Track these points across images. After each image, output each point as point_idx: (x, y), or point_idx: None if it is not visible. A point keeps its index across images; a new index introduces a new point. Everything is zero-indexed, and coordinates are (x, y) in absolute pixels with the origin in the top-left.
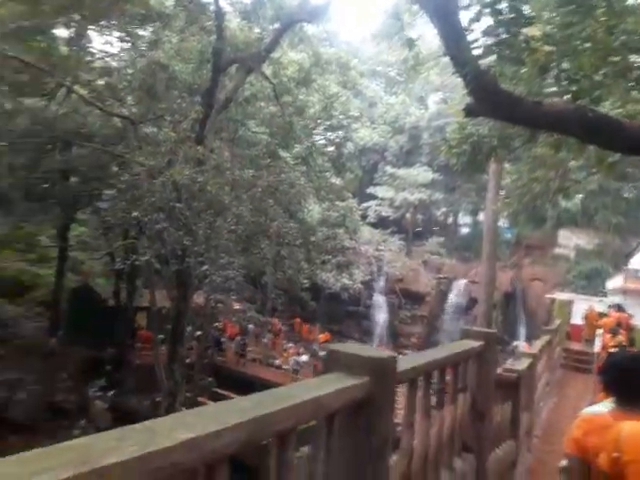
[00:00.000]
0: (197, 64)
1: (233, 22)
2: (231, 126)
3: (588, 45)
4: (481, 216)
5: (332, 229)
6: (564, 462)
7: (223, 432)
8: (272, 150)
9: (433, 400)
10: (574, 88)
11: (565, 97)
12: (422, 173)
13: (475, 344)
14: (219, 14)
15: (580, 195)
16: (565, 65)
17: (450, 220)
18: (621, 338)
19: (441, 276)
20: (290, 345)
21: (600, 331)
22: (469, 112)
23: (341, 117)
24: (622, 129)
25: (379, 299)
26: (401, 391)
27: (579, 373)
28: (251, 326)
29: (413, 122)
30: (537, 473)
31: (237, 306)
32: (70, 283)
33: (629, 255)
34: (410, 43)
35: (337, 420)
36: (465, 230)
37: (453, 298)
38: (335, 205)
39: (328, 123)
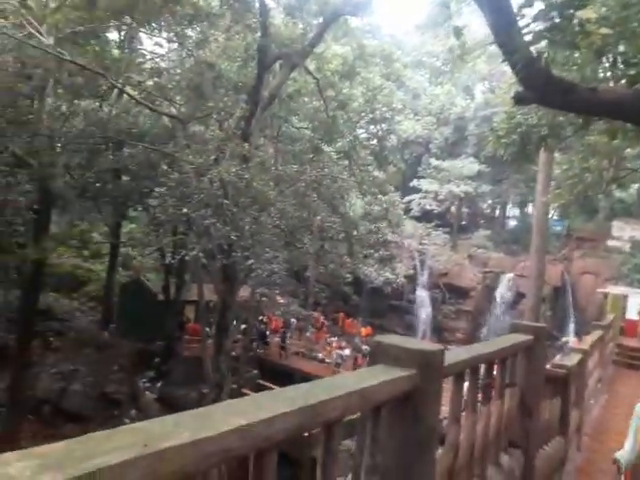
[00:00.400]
0: (242, 62)
1: (277, 18)
2: (275, 122)
3: None
4: (529, 208)
5: (374, 223)
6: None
7: (274, 419)
8: (315, 145)
9: (480, 395)
10: (632, 72)
11: (622, 82)
12: (468, 165)
13: (524, 338)
14: (264, 11)
15: (636, 185)
16: (622, 48)
17: (497, 213)
18: None
19: (487, 270)
20: (333, 339)
21: None
22: (519, 100)
23: (384, 110)
24: None
25: (422, 293)
26: (447, 386)
27: (633, 370)
28: (294, 320)
29: (459, 113)
30: (586, 472)
31: (281, 300)
32: (121, 278)
33: None
34: (457, 32)
35: (384, 411)
36: (513, 223)
37: (500, 292)
38: (377, 199)
39: (371, 116)
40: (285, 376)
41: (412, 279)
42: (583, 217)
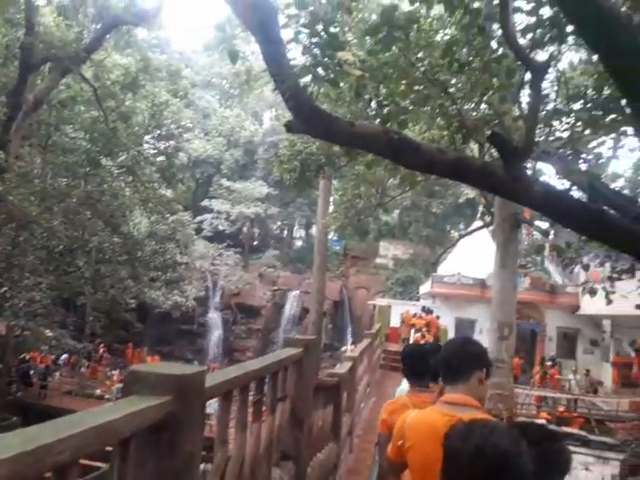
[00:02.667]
0: (2, 59)
1: (48, 17)
2: (43, 130)
3: (394, 73)
4: (314, 229)
5: (161, 243)
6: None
7: None
8: (93, 158)
9: (251, 412)
10: (384, 112)
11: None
12: (258, 187)
13: (294, 352)
14: (29, 6)
15: (397, 210)
16: (380, 91)
17: (285, 233)
18: (428, 336)
19: (276, 288)
20: (114, 372)
21: (414, 332)
22: (290, 129)
23: (172, 126)
24: (419, 150)
25: (214, 315)
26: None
27: (396, 372)
28: (65, 355)
29: (248, 136)
30: (356, 471)
31: (49, 333)
32: None
33: (436, 263)
34: (233, 56)
35: (132, 445)
36: (299, 243)
37: (287, 309)
38: (165, 218)
39: (158, 132)
40: (52, 419)
41: (204, 301)
42: (357, 238)
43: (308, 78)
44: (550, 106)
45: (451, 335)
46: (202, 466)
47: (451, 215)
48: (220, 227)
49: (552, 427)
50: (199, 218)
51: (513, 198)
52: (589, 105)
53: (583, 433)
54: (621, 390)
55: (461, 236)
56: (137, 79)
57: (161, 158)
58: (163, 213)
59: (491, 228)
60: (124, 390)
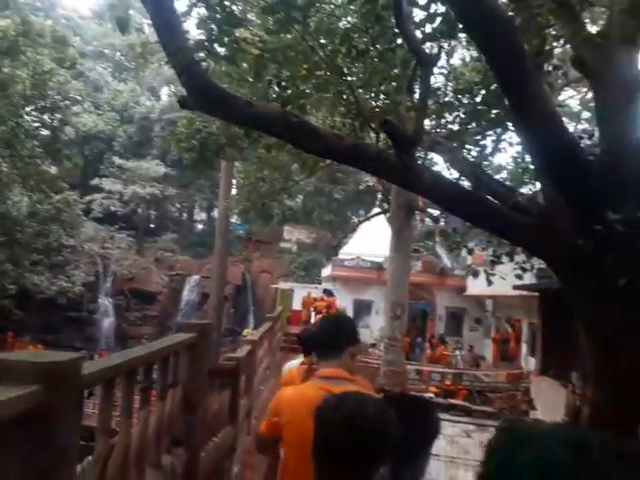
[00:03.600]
0: None
1: None
2: None
3: (295, 56)
4: (216, 212)
5: (44, 224)
6: None
7: None
8: None
9: (139, 399)
10: (284, 94)
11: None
12: (154, 167)
13: (187, 337)
14: None
15: (301, 195)
16: (282, 73)
17: (185, 216)
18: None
19: (174, 273)
20: None
21: (315, 314)
22: (183, 105)
23: (58, 98)
24: (318, 135)
25: (105, 302)
26: None
27: (297, 353)
28: None
29: (144, 112)
30: (254, 452)
31: None
32: None
33: (337, 247)
34: (122, 24)
35: None
36: (200, 226)
37: (185, 295)
38: (49, 197)
39: (42, 104)
40: None
41: (93, 287)
42: (261, 222)
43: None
44: (443, 98)
45: (349, 315)
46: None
47: (352, 201)
48: (112, 208)
49: (439, 399)
50: (88, 198)
51: (404, 185)
52: (475, 100)
53: (466, 404)
54: (500, 364)
55: (360, 222)
56: (17, 44)
57: (45, 132)
58: (46, 192)
59: (388, 215)
60: None
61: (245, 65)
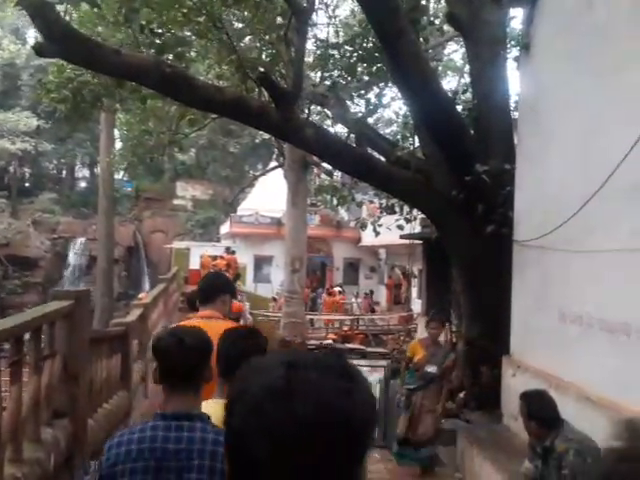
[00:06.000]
0: None
1: None
2: None
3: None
4: (99, 169)
5: None
6: None
7: None
8: None
9: (8, 374)
10: (158, 41)
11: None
12: (24, 119)
13: (62, 305)
14: None
15: (193, 149)
16: (154, 18)
17: (65, 173)
18: (228, 275)
19: (56, 236)
20: None
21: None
22: (40, 52)
23: None
24: (196, 87)
25: None
26: None
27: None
28: None
29: (8, 58)
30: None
31: None
32: None
33: (233, 203)
34: None
35: None
36: (83, 184)
37: (71, 259)
38: None
39: None
40: None
41: None
42: (150, 178)
43: None
44: (328, 51)
45: (250, 272)
46: None
47: (249, 155)
48: None
49: (337, 344)
50: None
51: (287, 139)
52: (356, 54)
53: (362, 347)
54: (393, 307)
55: (256, 176)
56: None
57: None
58: None
59: (284, 169)
60: None
61: (113, 9)
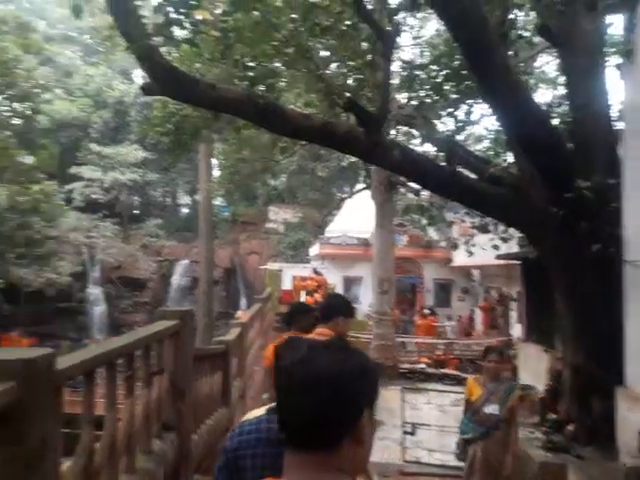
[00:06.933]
0: None
1: None
2: None
3: (257, 34)
4: (199, 195)
5: (24, 217)
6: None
7: None
8: None
9: (123, 388)
10: (250, 74)
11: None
12: (132, 152)
13: (170, 324)
14: None
15: (284, 174)
16: (243, 52)
17: (169, 201)
18: (317, 296)
19: (162, 259)
20: None
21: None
22: (147, 91)
23: (26, 85)
24: (286, 116)
25: (94, 291)
26: None
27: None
28: None
29: (118, 97)
30: None
31: None
32: None
33: (322, 225)
34: (76, 10)
35: None
36: (185, 210)
37: (175, 280)
38: (27, 188)
39: (11, 92)
40: None
41: (81, 276)
42: (245, 203)
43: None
44: (414, 71)
45: (339, 292)
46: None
47: (336, 178)
48: (93, 196)
49: (430, 369)
50: (68, 187)
51: (375, 161)
52: (442, 73)
53: (457, 373)
54: (490, 332)
55: (343, 199)
56: None
57: (17, 121)
58: (24, 183)
59: (370, 190)
60: None
61: (210, 47)
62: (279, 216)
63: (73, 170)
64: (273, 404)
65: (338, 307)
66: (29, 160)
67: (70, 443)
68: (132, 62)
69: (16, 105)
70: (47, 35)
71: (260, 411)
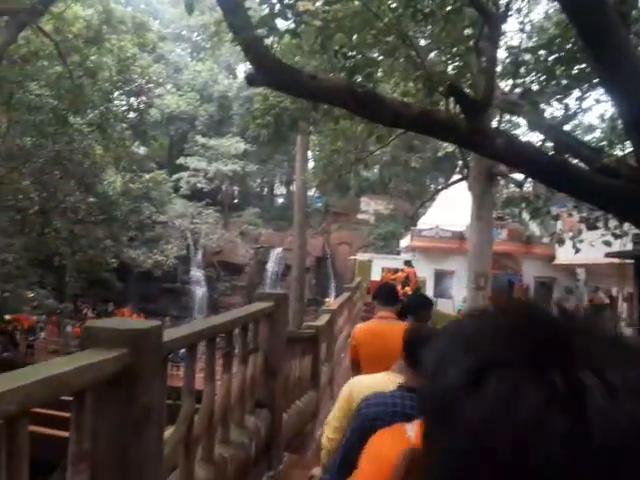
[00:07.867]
0: None
1: None
2: (5, 87)
3: (358, 23)
4: (294, 186)
5: (136, 202)
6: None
7: None
8: (60, 115)
9: (221, 363)
10: (349, 64)
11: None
12: (234, 144)
13: (265, 305)
14: None
15: (377, 165)
16: (347, 42)
17: (266, 191)
18: (408, 288)
19: (258, 246)
20: None
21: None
22: (250, 81)
23: (141, 81)
24: (385, 104)
25: (197, 273)
26: None
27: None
28: (44, 316)
29: (222, 91)
30: None
31: (30, 294)
32: None
33: (414, 217)
34: (189, 7)
35: (89, 397)
36: (280, 200)
37: (270, 266)
38: (139, 176)
39: (127, 88)
40: None
41: (185, 259)
42: (338, 194)
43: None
44: (521, 56)
45: (430, 286)
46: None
47: (430, 169)
48: (198, 185)
49: None
50: (175, 176)
51: (476, 150)
52: (555, 56)
53: None
54: None
55: (438, 190)
56: (101, 32)
57: (132, 115)
58: (137, 171)
59: (468, 181)
60: (80, 345)
61: (310, 37)
62: (370, 207)
63: (180, 160)
64: (401, 382)
65: (411, 307)
66: (142, 150)
67: (171, 414)
68: (236, 57)
69: (132, 100)
70: (160, 34)
71: (376, 380)
